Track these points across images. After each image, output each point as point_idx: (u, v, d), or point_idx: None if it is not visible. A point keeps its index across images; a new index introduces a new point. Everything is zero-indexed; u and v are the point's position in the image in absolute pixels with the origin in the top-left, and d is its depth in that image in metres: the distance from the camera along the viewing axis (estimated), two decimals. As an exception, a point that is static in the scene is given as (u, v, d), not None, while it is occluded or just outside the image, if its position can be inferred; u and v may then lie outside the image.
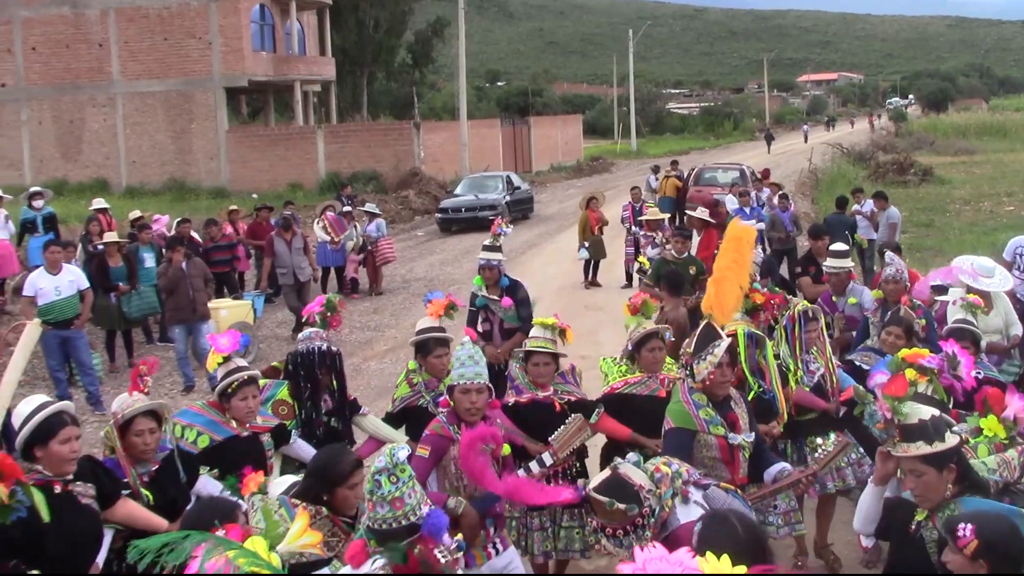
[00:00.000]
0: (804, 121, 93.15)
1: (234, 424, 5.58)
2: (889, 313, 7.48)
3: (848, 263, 9.21)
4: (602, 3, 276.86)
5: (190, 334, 12.48)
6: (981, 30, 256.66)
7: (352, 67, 56.22)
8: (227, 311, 13.81)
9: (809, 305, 6.93)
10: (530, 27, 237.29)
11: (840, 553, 6.82)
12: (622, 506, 4.01)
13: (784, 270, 14.29)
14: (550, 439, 5.70)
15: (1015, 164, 39.48)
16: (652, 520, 4.05)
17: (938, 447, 3.85)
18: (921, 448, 3.86)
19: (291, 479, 4.96)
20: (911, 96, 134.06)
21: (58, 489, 4.45)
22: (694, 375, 5.25)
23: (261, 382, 6.26)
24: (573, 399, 6.13)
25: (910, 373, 4.52)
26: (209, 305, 12.91)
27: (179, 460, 5.24)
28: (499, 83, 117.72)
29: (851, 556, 6.83)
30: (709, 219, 14.32)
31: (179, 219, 16.93)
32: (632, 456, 4.35)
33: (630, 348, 6.36)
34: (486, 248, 9.21)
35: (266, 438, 5.76)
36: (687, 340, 5.49)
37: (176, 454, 5.24)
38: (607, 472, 4.18)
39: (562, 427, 5.71)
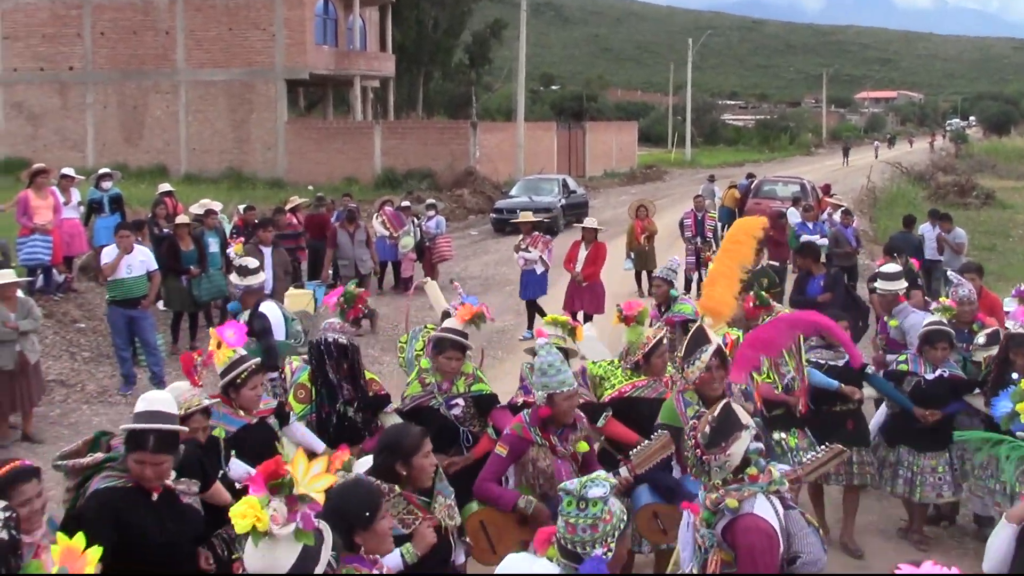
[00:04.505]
0: (874, 138, 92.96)
1: (242, 413, 5.69)
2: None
3: (897, 285, 9.14)
4: (659, 11, 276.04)
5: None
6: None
7: (410, 65, 56.54)
8: (288, 300, 13.91)
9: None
10: (585, 32, 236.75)
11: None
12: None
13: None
14: (631, 453, 5.54)
15: (1079, 191, 38.88)
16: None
17: None
18: None
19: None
20: (972, 118, 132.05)
21: (155, 497, 4.41)
22: (686, 377, 5.35)
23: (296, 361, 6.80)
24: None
25: None
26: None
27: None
28: (553, 87, 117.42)
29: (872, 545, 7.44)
30: (598, 228, 14.29)
31: (244, 205, 17.08)
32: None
33: (640, 358, 6.48)
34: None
35: (272, 420, 5.89)
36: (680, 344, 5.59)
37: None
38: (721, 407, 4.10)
39: (646, 442, 5.53)
